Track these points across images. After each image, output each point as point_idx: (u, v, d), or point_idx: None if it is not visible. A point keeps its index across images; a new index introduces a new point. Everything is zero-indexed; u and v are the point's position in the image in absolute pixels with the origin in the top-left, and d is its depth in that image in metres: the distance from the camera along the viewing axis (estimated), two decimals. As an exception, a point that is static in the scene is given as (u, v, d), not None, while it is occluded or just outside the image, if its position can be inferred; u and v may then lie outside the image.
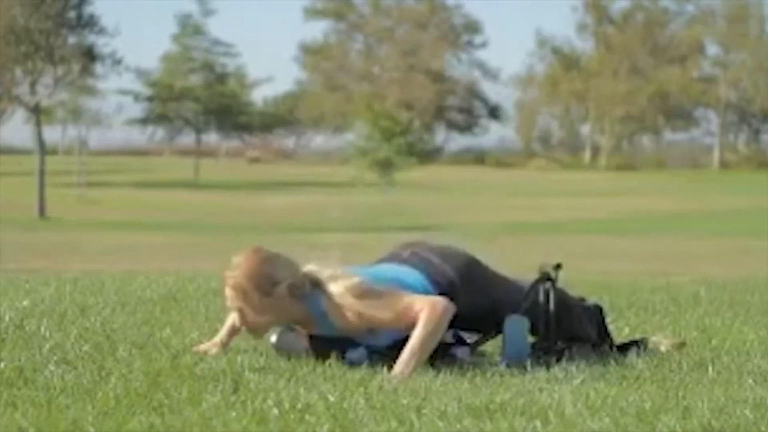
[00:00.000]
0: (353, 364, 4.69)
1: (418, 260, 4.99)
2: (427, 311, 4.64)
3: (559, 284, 5.14)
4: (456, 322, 4.96)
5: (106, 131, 78.17)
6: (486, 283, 5.03)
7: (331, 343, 4.77)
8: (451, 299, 4.84)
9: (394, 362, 4.61)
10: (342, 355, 4.73)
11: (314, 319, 4.80)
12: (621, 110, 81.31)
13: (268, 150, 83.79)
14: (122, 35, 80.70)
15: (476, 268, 5.04)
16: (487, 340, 5.09)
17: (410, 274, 4.92)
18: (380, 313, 4.70)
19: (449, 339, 5.01)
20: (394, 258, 5.06)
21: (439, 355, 4.82)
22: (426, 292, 4.85)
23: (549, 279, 5.08)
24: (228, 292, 4.76)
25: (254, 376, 4.32)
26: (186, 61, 71.34)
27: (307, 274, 4.83)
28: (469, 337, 5.23)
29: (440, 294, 4.86)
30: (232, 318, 5.01)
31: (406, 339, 4.76)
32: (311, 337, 4.86)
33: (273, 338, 4.91)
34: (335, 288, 4.76)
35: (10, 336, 5.17)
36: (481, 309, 4.97)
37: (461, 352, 4.94)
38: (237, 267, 4.75)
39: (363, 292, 4.74)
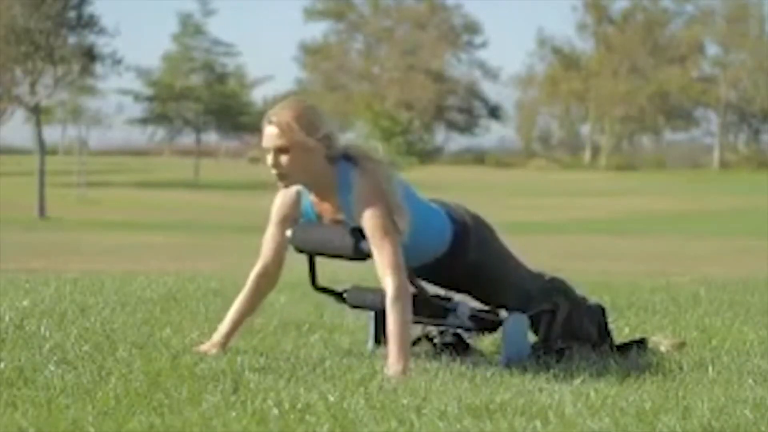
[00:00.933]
0: (368, 255, 4.69)
1: (439, 202, 5.10)
2: (393, 287, 4.59)
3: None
4: (457, 283, 4.99)
5: (106, 131, 78.26)
6: (497, 249, 5.09)
7: (347, 231, 4.75)
8: (464, 243, 4.94)
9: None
10: (357, 245, 4.72)
11: (338, 188, 4.77)
12: (621, 110, 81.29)
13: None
14: (122, 35, 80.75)
15: (491, 235, 5.12)
16: (488, 321, 5.09)
17: (433, 203, 5.04)
18: (379, 218, 4.66)
19: (448, 304, 5.05)
20: None
21: (439, 313, 4.86)
22: (442, 217, 4.95)
23: (558, 289, 5.13)
24: (269, 130, 4.73)
25: (254, 376, 4.32)
26: (186, 61, 71.36)
27: (346, 144, 4.84)
28: (469, 337, 5.25)
29: (455, 231, 4.94)
30: (230, 318, 5.00)
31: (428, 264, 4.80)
32: (327, 228, 4.85)
33: (288, 232, 4.91)
34: (374, 166, 4.76)
35: (10, 336, 5.17)
36: (485, 275, 4.99)
37: (462, 308, 4.99)
38: (282, 108, 4.76)
39: (392, 186, 4.75)
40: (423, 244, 4.87)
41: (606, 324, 5.29)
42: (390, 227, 4.66)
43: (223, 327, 5.02)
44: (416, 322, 4.91)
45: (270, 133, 4.74)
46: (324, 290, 5.19)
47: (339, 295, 5.16)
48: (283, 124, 4.71)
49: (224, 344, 4.96)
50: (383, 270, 4.63)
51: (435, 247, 4.93)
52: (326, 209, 4.85)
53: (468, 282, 5.04)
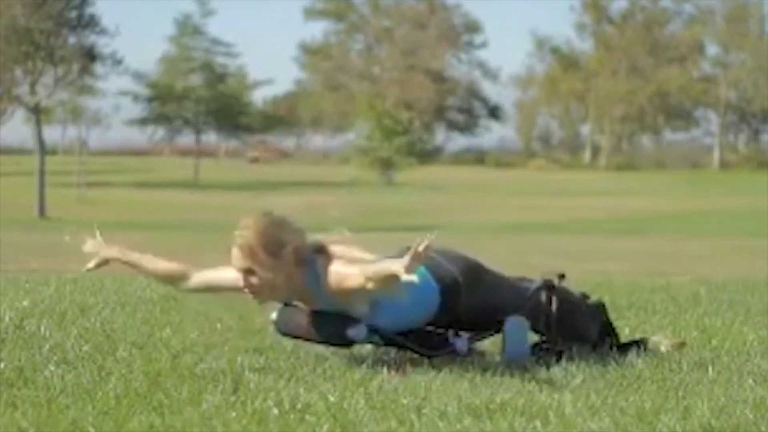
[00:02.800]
0: (353, 341, 4.68)
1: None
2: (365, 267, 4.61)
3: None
4: (458, 324, 4.98)
5: (105, 131, 78.24)
6: (489, 287, 5.02)
7: (332, 318, 4.73)
8: (455, 299, 4.86)
9: (396, 350, 4.62)
10: (342, 332, 4.71)
11: (310, 286, 4.76)
12: (621, 110, 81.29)
13: (268, 150, 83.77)
14: (122, 36, 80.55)
15: (480, 272, 5.04)
16: (486, 337, 5.09)
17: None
18: (349, 274, 4.66)
19: (449, 335, 5.02)
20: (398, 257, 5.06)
21: (438, 347, 4.83)
22: (427, 285, 4.86)
23: (552, 287, 5.10)
24: (235, 252, 4.73)
25: (254, 376, 4.32)
26: (186, 62, 71.29)
27: (314, 242, 4.82)
28: (469, 337, 5.24)
29: (443, 292, 4.86)
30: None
31: (410, 331, 4.78)
32: (312, 315, 4.84)
33: (273, 315, 4.91)
34: (342, 249, 4.76)
35: (10, 336, 5.17)
36: (483, 311, 4.98)
37: (460, 343, 4.95)
38: (246, 227, 4.72)
39: (356, 259, 4.74)
40: (410, 315, 4.85)
41: (608, 320, 5.28)
42: (358, 271, 4.63)
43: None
44: (416, 352, 4.88)
45: (235, 256, 4.74)
46: None
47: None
48: (245, 249, 4.70)
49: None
50: (364, 269, 4.61)
51: (423, 314, 4.89)
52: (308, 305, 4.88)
53: (462, 321, 5.01)
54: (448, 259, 5.00)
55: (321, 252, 4.76)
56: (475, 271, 5.01)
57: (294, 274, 4.71)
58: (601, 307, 5.29)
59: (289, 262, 4.70)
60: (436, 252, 5.04)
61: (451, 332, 5.04)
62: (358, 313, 4.75)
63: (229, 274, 4.89)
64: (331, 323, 4.73)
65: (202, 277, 5.05)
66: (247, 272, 4.72)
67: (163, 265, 5.12)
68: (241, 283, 4.77)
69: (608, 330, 5.25)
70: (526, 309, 5.01)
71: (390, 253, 5.14)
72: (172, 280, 5.11)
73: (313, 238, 4.84)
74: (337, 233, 4.87)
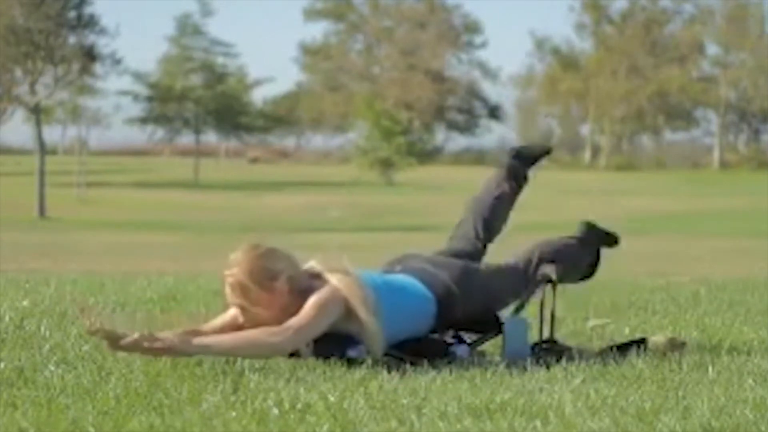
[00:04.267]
0: (353, 360, 4.69)
1: (413, 270, 5.00)
2: (283, 333, 4.55)
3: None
4: (457, 325, 4.99)
5: (105, 131, 78.26)
6: (483, 284, 5.03)
7: (332, 339, 4.73)
8: (452, 306, 4.88)
9: (396, 360, 4.61)
10: (342, 352, 4.71)
11: None
12: (621, 110, 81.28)
13: (268, 150, 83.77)
14: (121, 36, 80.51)
15: (472, 273, 5.04)
16: (487, 339, 5.10)
17: (408, 279, 4.94)
18: (313, 310, 4.63)
19: (449, 338, 5.03)
20: (387, 273, 5.05)
21: (440, 354, 4.83)
22: (423, 296, 4.86)
23: (549, 281, 5.12)
24: (227, 290, 4.70)
25: (254, 376, 4.33)
26: (186, 62, 71.27)
27: (308, 269, 4.81)
28: (469, 338, 5.25)
29: (440, 301, 4.87)
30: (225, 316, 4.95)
31: (408, 340, 4.78)
32: None
33: None
34: (339, 278, 4.73)
35: (10, 336, 5.17)
36: (482, 308, 4.99)
37: (461, 350, 4.95)
38: (235, 264, 4.69)
39: (360, 291, 4.70)
40: (409, 327, 4.84)
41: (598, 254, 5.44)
42: (316, 318, 4.60)
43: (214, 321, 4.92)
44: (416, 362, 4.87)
45: (228, 293, 4.70)
46: None
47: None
48: (236, 287, 4.66)
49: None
50: (287, 324, 4.57)
51: (421, 325, 4.89)
52: None
53: (462, 323, 5.01)
54: (439, 267, 5.00)
55: (316, 277, 4.75)
56: (467, 274, 5.01)
57: (290, 304, 4.66)
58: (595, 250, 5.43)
59: (283, 293, 4.68)
60: (426, 261, 5.05)
61: (450, 333, 5.05)
62: (359, 335, 4.73)
63: (230, 314, 4.83)
64: (331, 343, 4.70)
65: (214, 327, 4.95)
66: (244, 309, 4.69)
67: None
68: (240, 319, 4.73)
69: (598, 256, 5.44)
70: (527, 293, 5.07)
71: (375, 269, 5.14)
72: None
73: (307, 265, 4.82)
74: (331, 261, 4.84)
